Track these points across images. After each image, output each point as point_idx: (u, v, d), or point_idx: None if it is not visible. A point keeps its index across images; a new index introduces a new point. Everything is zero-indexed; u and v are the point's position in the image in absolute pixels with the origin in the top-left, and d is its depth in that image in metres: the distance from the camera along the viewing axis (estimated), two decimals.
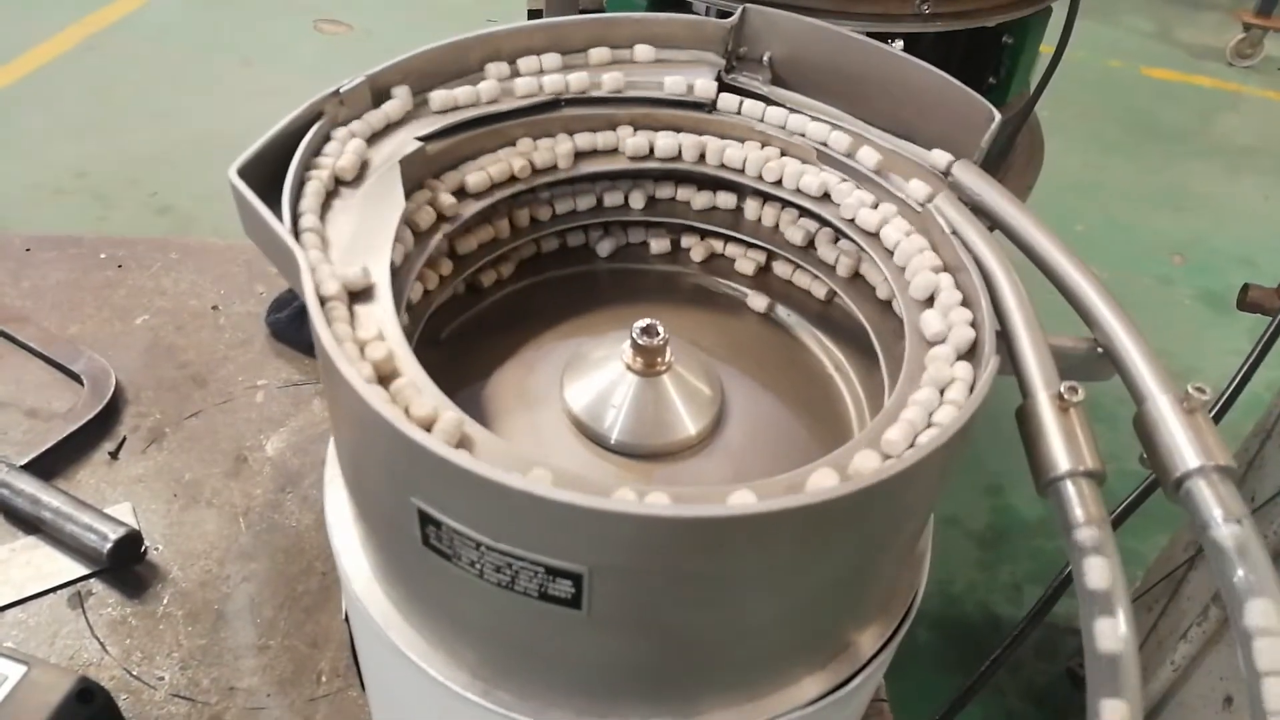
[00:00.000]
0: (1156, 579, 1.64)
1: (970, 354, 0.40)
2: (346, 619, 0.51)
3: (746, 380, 0.50)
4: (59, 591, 0.70)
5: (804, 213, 0.51)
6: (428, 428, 0.34)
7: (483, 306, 0.53)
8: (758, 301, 0.53)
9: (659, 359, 0.45)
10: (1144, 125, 3.13)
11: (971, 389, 0.38)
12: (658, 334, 0.44)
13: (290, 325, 0.88)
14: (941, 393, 0.38)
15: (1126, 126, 3.11)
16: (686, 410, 0.45)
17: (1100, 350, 0.43)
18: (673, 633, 0.35)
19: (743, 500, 0.32)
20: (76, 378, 0.84)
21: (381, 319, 0.38)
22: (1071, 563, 0.38)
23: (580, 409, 0.45)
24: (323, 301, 0.37)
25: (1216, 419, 0.84)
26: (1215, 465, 0.37)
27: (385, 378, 0.36)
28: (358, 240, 0.41)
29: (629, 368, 0.45)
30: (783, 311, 0.54)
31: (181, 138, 2.57)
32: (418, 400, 0.35)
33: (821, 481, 0.34)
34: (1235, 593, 0.35)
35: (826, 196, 0.49)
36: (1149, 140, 3.06)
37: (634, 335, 0.44)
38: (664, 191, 0.54)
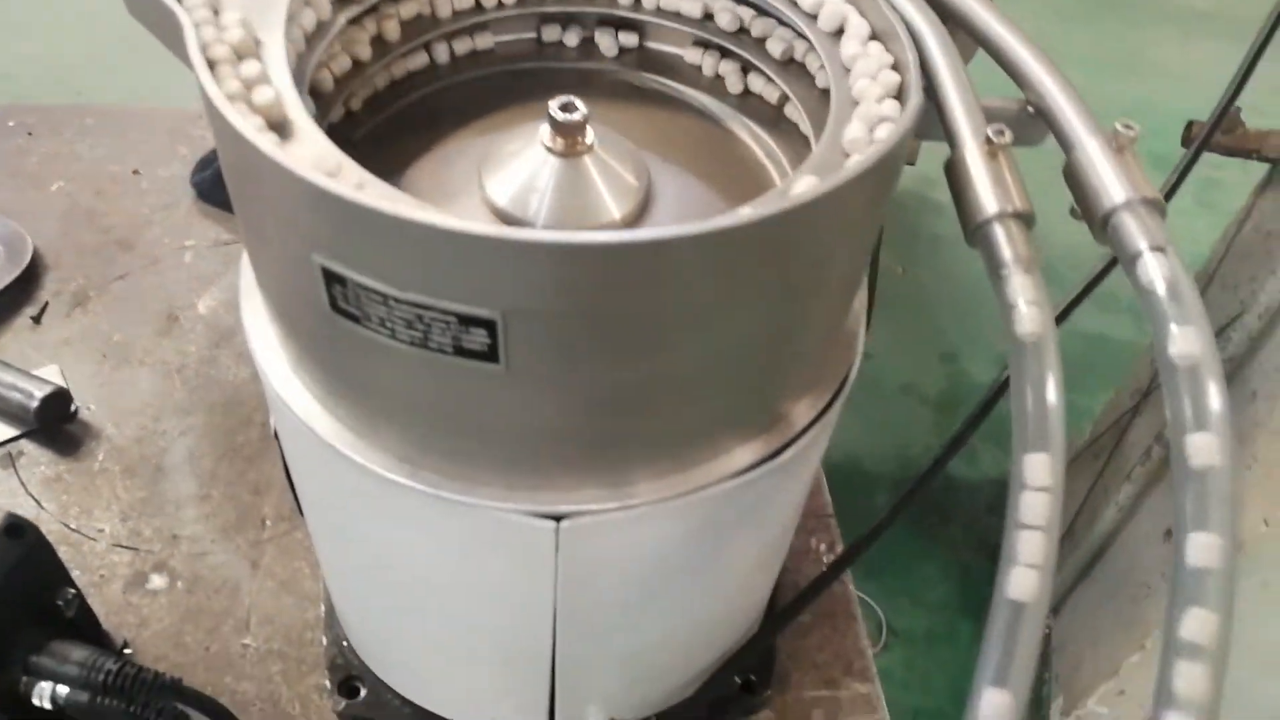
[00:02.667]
0: (1103, 428, 1.68)
1: (898, 97, 0.39)
2: (276, 435, 0.49)
3: (673, 168, 0.48)
4: None
5: None
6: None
7: (399, 107, 0.51)
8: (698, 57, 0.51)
9: (579, 138, 0.43)
10: None
11: None
12: (576, 109, 0.42)
13: (217, 184, 0.84)
14: (871, 131, 0.37)
15: None
16: (611, 194, 0.44)
17: (1031, 110, 0.42)
18: (596, 387, 0.35)
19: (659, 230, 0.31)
20: None
21: (278, 83, 0.36)
22: (1001, 313, 0.37)
23: (500, 197, 0.44)
24: (211, 65, 0.35)
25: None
26: (1142, 198, 0.36)
27: (277, 127, 0.34)
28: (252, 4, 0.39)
29: (549, 150, 0.43)
30: (711, 102, 0.52)
31: (110, 37, 2.45)
32: (314, 150, 0.33)
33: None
34: (1161, 321, 0.35)
35: None
36: (1105, 7, 3.03)
37: (552, 113, 0.42)
38: None
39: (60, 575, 0.55)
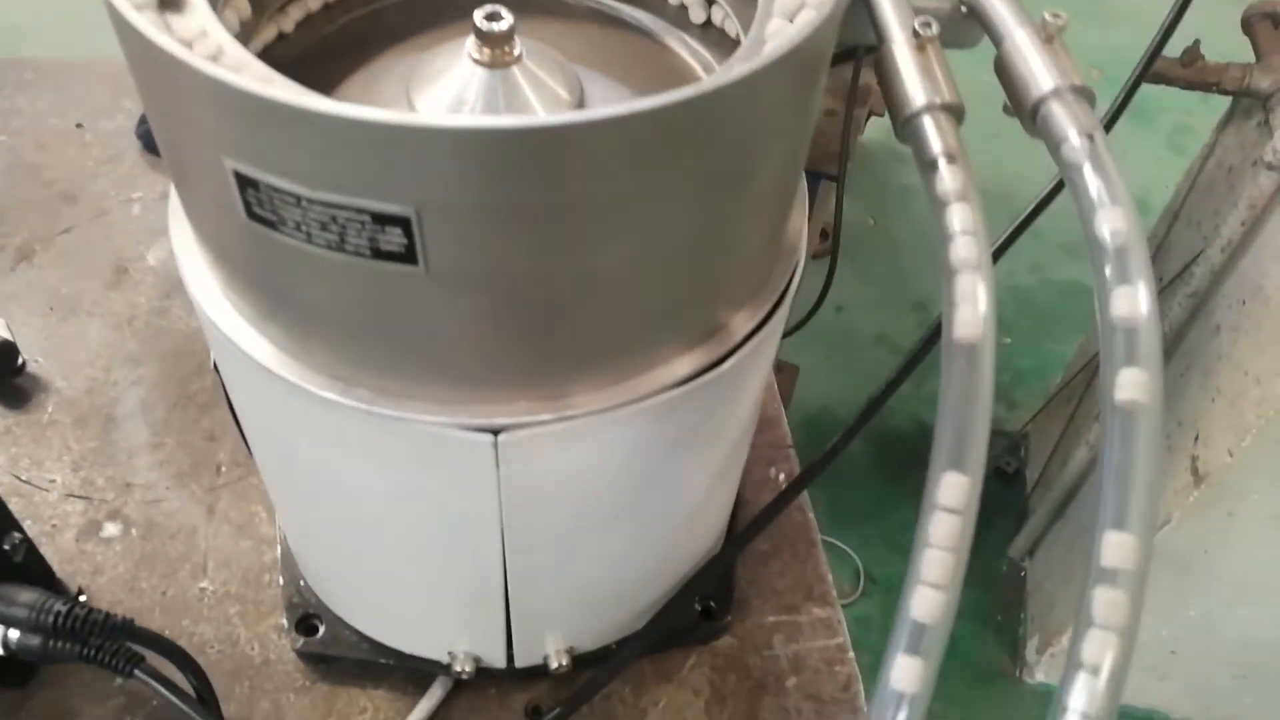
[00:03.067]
0: (1075, 371, 1.70)
1: None
2: (215, 368, 0.49)
3: (606, 81, 0.47)
4: None
5: None
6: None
7: (330, 30, 0.50)
8: None
9: (506, 47, 0.42)
10: None
11: None
12: (501, 18, 0.41)
13: None
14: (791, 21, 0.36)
15: None
16: (542, 106, 0.43)
17: (964, 9, 0.41)
18: (520, 288, 0.34)
19: (567, 115, 0.30)
20: None
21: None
22: (931, 209, 0.37)
23: (429, 114, 0.43)
24: None
25: None
26: (1070, 85, 0.36)
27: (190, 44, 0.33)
28: None
29: (476, 61, 0.42)
30: (645, 17, 0.51)
31: (54, 8, 2.40)
32: (224, 54, 0.33)
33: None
34: (1087, 205, 0.34)
35: None
36: None
37: (477, 23, 0.41)
38: None
39: (6, 519, 0.54)
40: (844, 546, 1.79)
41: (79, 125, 0.87)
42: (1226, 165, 1.27)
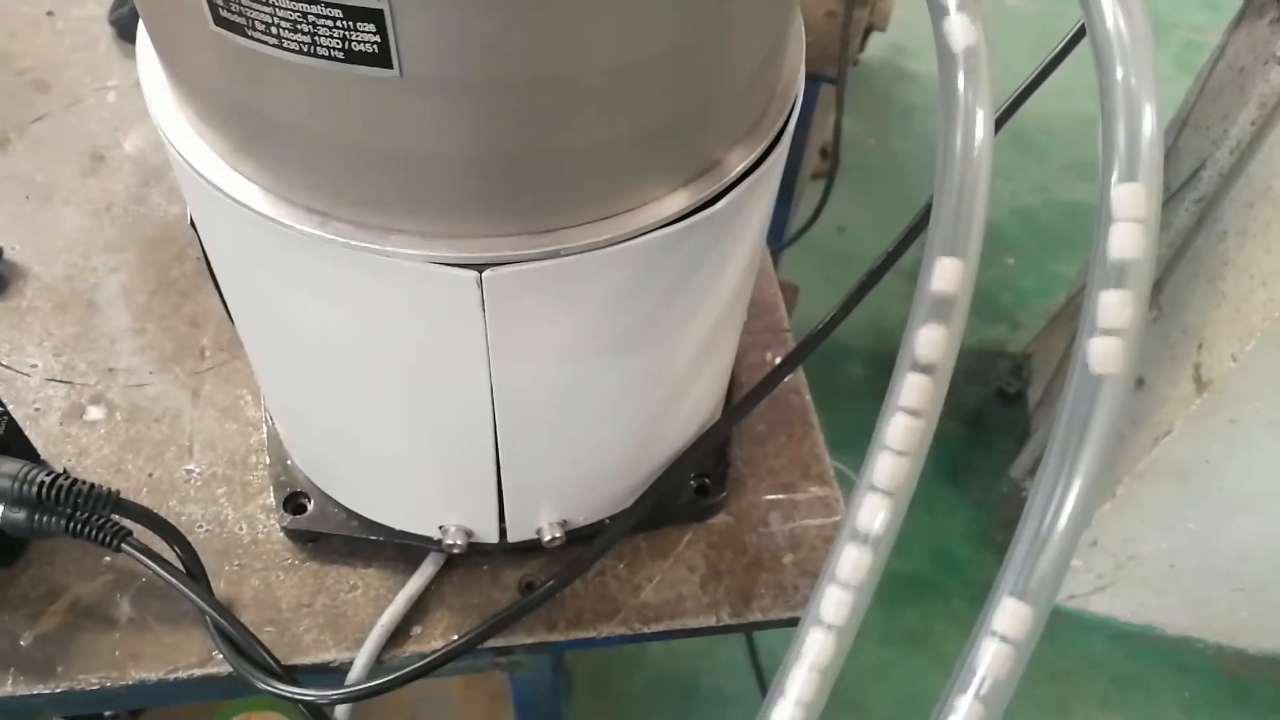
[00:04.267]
0: (1078, 290, 1.68)
1: None
2: (192, 223, 0.47)
3: None
4: None
5: None
6: None
7: None
8: None
9: None
10: None
11: None
12: None
13: (137, 20, 0.79)
14: None
15: None
16: None
17: None
18: (499, 94, 0.32)
19: None
20: None
21: None
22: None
23: None
24: None
25: None
26: None
27: None
28: None
29: None
30: None
31: None
32: None
33: None
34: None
35: None
36: None
37: None
38: None
39: None
40: (843, 467, 1.79)
41: (49, 13, 0.84)
42: (1238, 66, 1.24)
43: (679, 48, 0.33)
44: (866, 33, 1.81)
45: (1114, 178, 0.27)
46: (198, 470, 0.60)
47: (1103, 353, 0.27)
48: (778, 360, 0.68)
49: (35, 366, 0.63)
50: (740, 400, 0.56)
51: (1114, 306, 0.27)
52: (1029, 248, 2.06)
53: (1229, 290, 1.18)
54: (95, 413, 0.62)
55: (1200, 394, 1.21)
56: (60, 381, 0.63)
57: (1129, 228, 0.27)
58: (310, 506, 0.57)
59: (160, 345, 0.65)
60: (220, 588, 0.55)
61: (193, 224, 0.47)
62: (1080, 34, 0.46)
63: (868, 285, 0.56)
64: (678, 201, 0.39)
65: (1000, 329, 1.93)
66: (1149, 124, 0.27)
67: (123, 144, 0.75)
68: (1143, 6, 0.28)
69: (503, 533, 0.55)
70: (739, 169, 0.40)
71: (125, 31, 0.81)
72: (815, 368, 0.76)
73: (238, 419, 0.62)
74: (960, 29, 0.29)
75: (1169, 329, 1.29)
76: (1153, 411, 1.30)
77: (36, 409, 0.62)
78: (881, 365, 1.87)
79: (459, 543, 0.54)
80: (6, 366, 0.63)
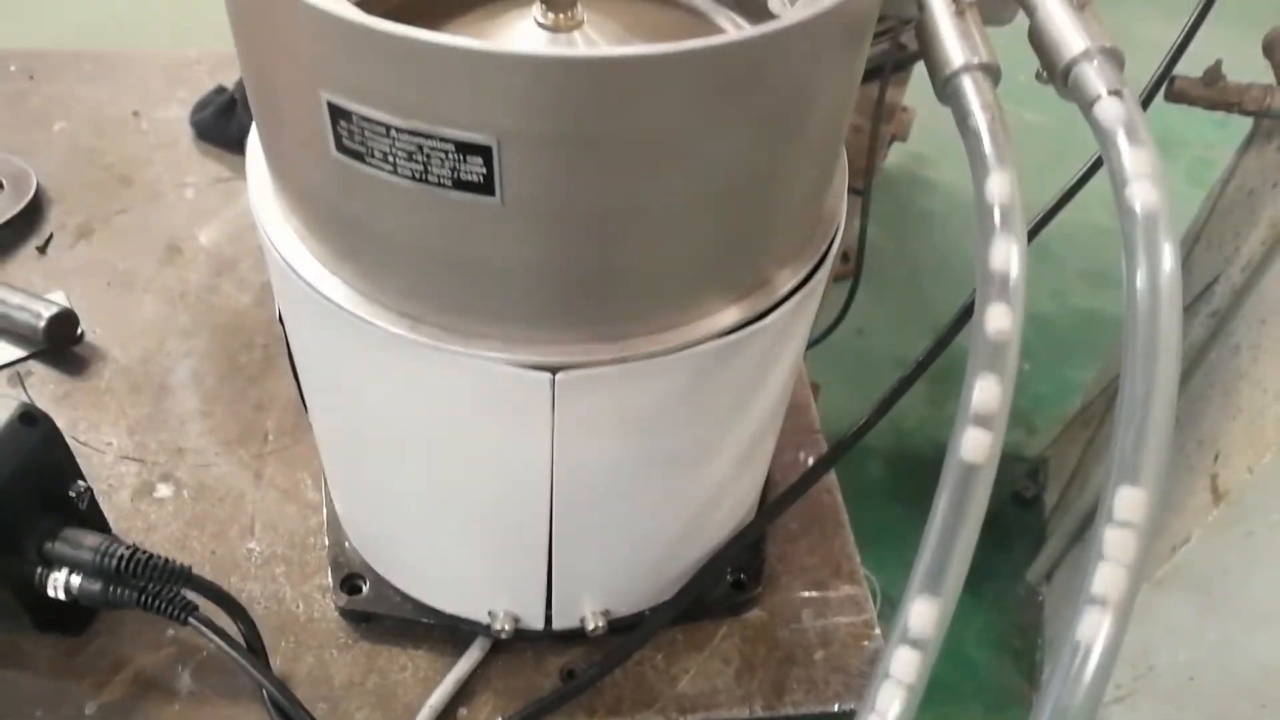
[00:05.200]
0: (1094, 395, 1.70)
1: None
2: (280, 319, 0.51)
3: None
4: None
5: None
6: None
7: (391, 4, 0.52)
8: None
9: (570, 12, 0.45)
10: None
11: None
12: None
13: (216, 122, 0.86)
14: None
15: None
16: None
17: None
18: (586, 219, 0.36)
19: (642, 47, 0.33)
20: None
21: None
22: (971, 165, 0.39)
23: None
24: None
25: None
26: (1100, 47, 0.38)
27: None
28: None
29: (541, 25, 0.45)
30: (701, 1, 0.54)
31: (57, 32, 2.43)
32: None
33: None
34: (1117, 160, 0.36)
35: None
36: None
37: None
38: None
39: (72, 467, 0.56)
40: (862, 568, 1.79)
41: (135, 113, 0.90)
42: (1247, 188, 1.29)
43: (742, 186, 0.38)
44: (889, 142, 1.89)
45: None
46: (258, 549, 0.63)
47: None
48: (810, 460, 0.71)
49: (110, 444, 0.67)
50: (776, 498, 0.59)
51: None
52: (1045, 353, 2.10)
53: (1244, 404, 1.21)
54: (164, 490, 0.65)
55: (1217, 504, 1.22)
56: (133, 459, 0.66)
57: None
58: (365, 588, 0.60)
59: (227, 428, 0.68)
60: (277, 663, 0.58)
61: (281, 320, 0.51)
62: (1099, 163, 0.51)
63: (900, 391, 0.60)
64: (732, 315, 0.43)
65: (1017, 433, 1.95)
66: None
67: (198, 237, 0.80)
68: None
69: (548, 619, 0.57)
70: (788, 287, 0.44)
71: (205, 133, 0.87)
72: (835, 467, 0.78)
73: (297, 501, 0.65)
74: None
75: (1185, 439, 1.32)
76: (1170, 520, 1.31)
77: (110, 484, 0.65)
78: (897, 465, 1.89)
79: (507, 628, 0.56)
80: (84, 444, 0.67)
